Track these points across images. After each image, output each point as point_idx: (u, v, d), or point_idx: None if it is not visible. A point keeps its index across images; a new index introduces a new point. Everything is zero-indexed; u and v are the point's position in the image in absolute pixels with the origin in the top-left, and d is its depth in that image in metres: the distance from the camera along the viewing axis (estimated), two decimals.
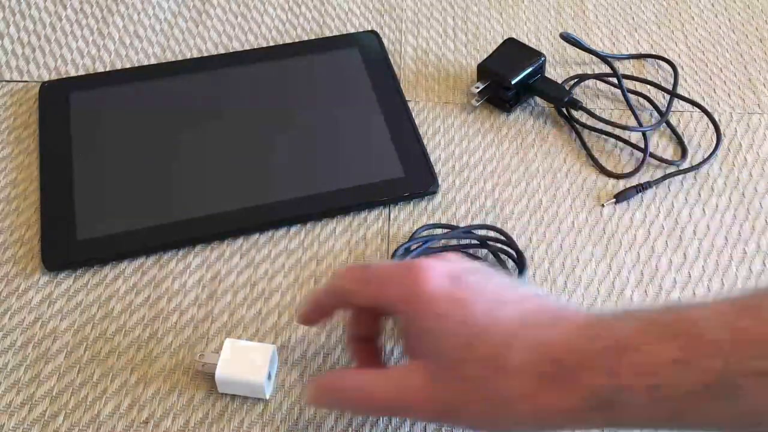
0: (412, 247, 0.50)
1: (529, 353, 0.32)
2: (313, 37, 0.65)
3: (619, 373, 0.30)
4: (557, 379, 0.31)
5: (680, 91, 0.62)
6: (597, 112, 0.59)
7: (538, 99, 0.61)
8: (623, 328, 0.31)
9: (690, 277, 0.50)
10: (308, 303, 0.42)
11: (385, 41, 0.65)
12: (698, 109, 0.60)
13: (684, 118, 0.60)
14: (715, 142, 0.58)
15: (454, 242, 0.51)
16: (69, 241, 0.50)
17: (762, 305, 0.29)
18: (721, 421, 0.29)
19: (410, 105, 0.60)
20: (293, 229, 0.52)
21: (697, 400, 0.29)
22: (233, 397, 0.44)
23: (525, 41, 0.63)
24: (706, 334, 0.29)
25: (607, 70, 0.62)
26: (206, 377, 0.45)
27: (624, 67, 0.64)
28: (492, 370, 0.33)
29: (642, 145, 0.57)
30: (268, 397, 0.44)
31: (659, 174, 0.56)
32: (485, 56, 0.60)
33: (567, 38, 0.62)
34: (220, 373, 0.43)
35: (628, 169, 0.56)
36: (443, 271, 0.36)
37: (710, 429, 0.30)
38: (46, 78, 0.61)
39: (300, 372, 0.46)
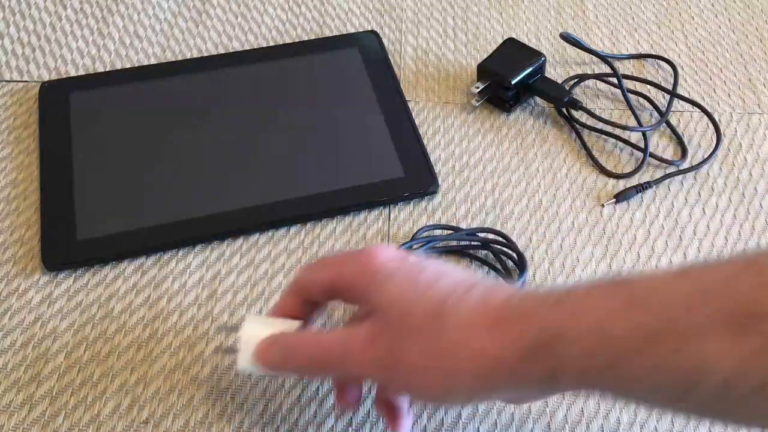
0: (414, 247, 0.50)
1: (470, 308, 0.34)
2: (313, 37, 0.65)
3: (557, 320, 0.31)
4: (496, 327, 0.32)
5: (680, 91, 0.62)
6: (597, 112, 0.59)
7: (538, 99, 0.61)
8: (565, 289, 0.33)
9: None
10: (273, 313, 0.41)
11: (385, 41, 0.65)
12: (698, 109, 0.60)
13: (684, 118, 0.60)
14: (715, 142, 0.58)
15: (454, 243, 0.51)
16: (69, 241, 0.50)
17: (691, 270, 0.30)
18: (657, 375, 0.29)
19: (410, 105, 0.60)
20: (293, 229, 0.52)
21: (633, 349, 0.29)
22: (233, 396, 0.44)
23: (525, 41, 0.63)
24: (644, 293, 0.30)
25: (607, 70, 0.62)
26: (207, 376, 0.45)
27: (624, 67, 0.64)
28: (433, 321, 0.34)
29: (642, 145, 0.57)
30: None
31: (659, 174, 0.56)
32: (485, 56, 0.60)
33: (567, 38, 0.62)
34: (245, 336, 0.39)
35: (628, 169, 0.56)
36: (394, 250, 0.38)
37: (644, 388, 0.30)
38: (46, 78, 0.61)
39: None
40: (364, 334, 0.36)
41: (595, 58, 0.64)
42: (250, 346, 0.39)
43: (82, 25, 0.66)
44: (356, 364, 0.36)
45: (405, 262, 0.37)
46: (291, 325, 0.40)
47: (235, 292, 0.49)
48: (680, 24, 0.67)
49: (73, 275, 0.50)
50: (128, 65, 0.62)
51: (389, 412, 0.41)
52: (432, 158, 0.56)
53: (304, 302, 0.41)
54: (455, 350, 0.33)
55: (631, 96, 0.60)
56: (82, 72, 0.62)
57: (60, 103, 0.57)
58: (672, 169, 0.56)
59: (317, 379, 0.45)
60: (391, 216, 0.53)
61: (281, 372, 0.42)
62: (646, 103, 0.61)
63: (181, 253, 0.51)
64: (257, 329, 0.39)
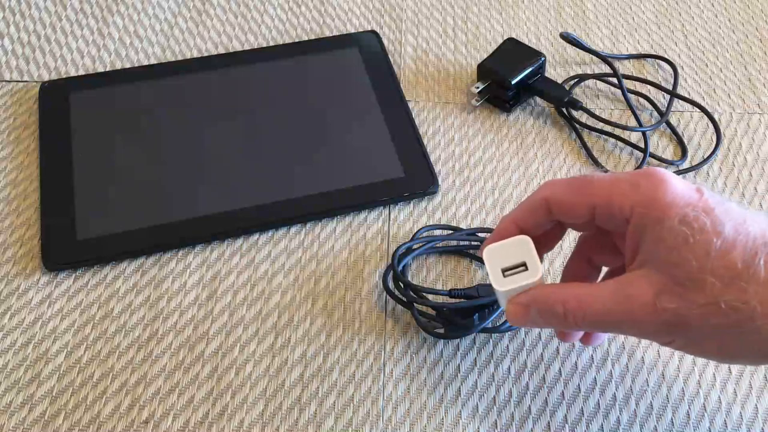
0: (414, 247, 0.50)
1: None
2: (313, 37, 0.65)
3: None
4: None
5: (680, 91, 0.62)
6: (597, 112, 0.59)
7: (538, 99, 0.61)
8: None
9: None
10: (496, 233, 0.38)
11: (385, 41, 0.65)
12: (698, 109, 0.60)
13: (684, 118, 0.60)
14: (715, 142, 0.58)
15: (454, 243, 0.51)
16: (69, 241, 0.50)
17: None
18: None
19: (410, 105, 0.60)
20: (293, 229, 0.52)
21: None
22: (233, 396, 0.44)
23: (525, 41, 0.63)
24: None
25: (607, 70, 0.62)
26: (207, 376, 0.45)
27: (624, 67, 0.64)
28: (737, 281, 0.31)
29: (642, 145, 0.57)
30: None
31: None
32: (485, 56, 0.60)
33: (567, 38, 0.62)
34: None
35: (628, 169, 0.56)
36: (684, 182, 0.34)
37: None
38: (46, 78, 0.61)
39: (300, 372, 0.46)
40: (646, 292, 0.32)
41: (595, 58, 0.64)
42: (502, 300, 0.38)
43: (82, 25, 0.66)
44: (634, 328, 0.33)
45: (701, 197, 0.33)
46: (531, 261, 0.36)
47: (235, 292, 0.49)
48: (680, 24, 0.67)
49: (73, 275, 0.50)
50: (128, 65, 0.62)
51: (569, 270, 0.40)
52: (432, 158, 0.56)
53: (542, 222, 0.37)
54: (763, 319, 0.30)
55: (631, 96, 0.60)
56: (82, 72, 0.62)
57: (60, 103, 0.57)
58: (672, 169, 0.56)
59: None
60: (391, 216, 0.53)
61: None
62: (646, 103, 0.61)
63: (181, 253, 0.51)
64: (504, 282, 0.37)
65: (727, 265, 0.31)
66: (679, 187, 0.33)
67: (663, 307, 0.32)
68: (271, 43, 0.64)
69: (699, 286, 0.31)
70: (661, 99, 0.61)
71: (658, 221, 0.33)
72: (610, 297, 0.33)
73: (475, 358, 0.46)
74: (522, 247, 0.37)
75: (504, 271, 0.37)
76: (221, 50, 0.64)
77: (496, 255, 0.37)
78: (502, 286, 0.37)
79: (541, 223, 0.38)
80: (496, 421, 0.44)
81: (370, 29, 0.65)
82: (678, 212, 0.32)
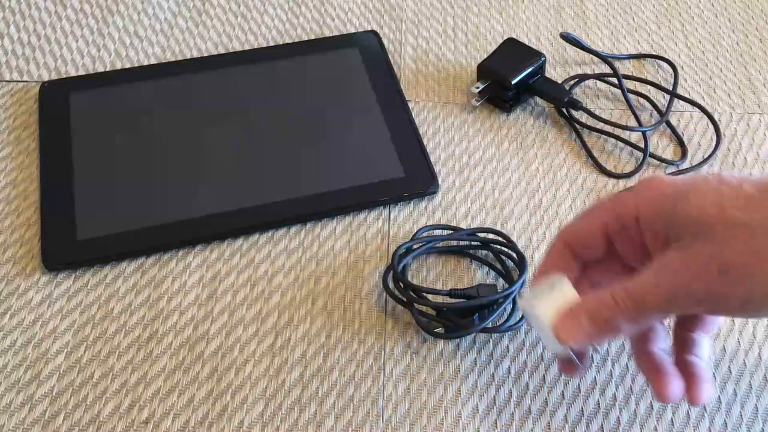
0: (414, 247, 0.50)
1: None
2: (313, 37, 0.65)
3: None
4: None
5: (680, 91, 0.62)
6: (597, 112, 0.59)
7: (538, 99, 0.61)
8: None
9: None
10: (537, 277, 0.39)
11: (385, 41, 0.65)
12: (698, 109, 0.60)
13: (684, 118, 0.60)
14: (715, 142, 0.58)
15: (454, 243, 0.51)
16: (69, 241, 0.50)
17: None
18: None
19: (410, 105, 0.60)
20: (293, 229, 0.52)
21: None
22: (233, 396, 0.44)
23: (525, 41, 0.63)
24: None
25: (607, 70, 0.62)
26: (207, 376, 0.45)
27: (624, 67, 0.64)
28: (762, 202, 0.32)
29: (642, 145, 0.57)
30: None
31: (659, 174, 0.56)
32: (485, 56, 0.60)
33: (567, 38, 0.62)
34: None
35: (628, 169, 0.56)
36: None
37: None
38: (46, 78, 0.61)
39: (300, 372, 0.46)
40: (683, 258, 0.33)
41: (595, 58, 0.64)
42: (546, 329, 0.38)
43: (82, 25, 0.66)
44: (692, 292, 0.32)
45: (693, 176, 0.35)
46: (567, 288, 0.38)
47: (235, 292, 0.49)
48: (680, 24, 0.67)
49: (73, 275, 0.50)
50: (128, 65, 0.62)
51: (686, 374, 0.38)
52: (432, 158, 0.56)
53: (573, 257, 0.38)
54: None
55: (631, 96, 0.60)
56: (82, 72, 0.62)
57: (60, 103, 0.57)
58: (672, 169, 0.56)
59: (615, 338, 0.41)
60: (391, 216, 0.53)
61: (593, 342, 0.39)
62: (646, 103, 0.61)
63: (181, 253, 0.51)
64: (545, 308, 0.37)
65: (744, 195, 0.32)
66: (666, 177, 0.36)
67: (699, 252, 0.32)
68: (271, 43, 0.64)
69: (722, 223, 0.32)
70: (661, 99, 0.61)
71: (677, 197, 0.34)
72: (652, 275, 0.34)
73: (475, 358, 0.46)
74: (553, 280, 0.38)
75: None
76: (221, 50, 0.64)
77: (532, 296, 0.39)
78: (544, 310, 0.38)
79: (571, 266, 0.39)
80: (496, 421, 0.44)
81: (370, 29, 0.65)
82: (674, 181, 0.34)
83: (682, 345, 0.40)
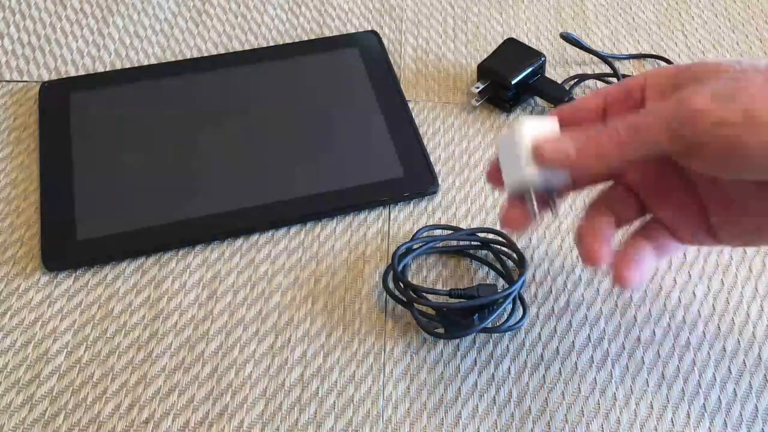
0: (414, 247, 0.50)
1: None
2: (313, 37, 0.65)
3: None
4: None
5: None
6: None
7: (538, 99, 0.61)
8: None
9: (690, 277, 0.50)
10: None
11: (385, 41, 0.65)
12: None
13: None
14: None
15: (454, 243, 0.51)
16: (69, 241, 0.50)
17: None
18: None
19: (410, 105, 0.60)
20: (293, 229, 0.52)
21: None
22: (233, 396, 0.44)
23: (525, 41, 0.63)
24: None
25: (607, 70, 0.62)
26: (207, 376, 0.45)
27: (624, 67, 0.64)
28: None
29: None
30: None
31: None
32: (485, 56, 0.60)
33: (567, 38, 0.62)
34: None
35: None
36: None
37: None
38: (46, 78, 0.61)
39: (300, 372, 0.46)
40: (682, 94, 0.32)
41: (595, 58, 0.64)
42: (522, 150, 0.35)
43: (82, 25, 0.66)
44: (680, 121, 0.31)
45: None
46: (555, 125, 0.36)
47: (235, 292, 0.49)
48: (680, 24, 0.67)
49: (73, 275, 0.50)
50: (128, 65, 0.62)
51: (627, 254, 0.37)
52: (432, 158, 0.56)
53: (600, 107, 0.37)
54: None
55: None
56: (82, 72, 0.62)
57: (60, 103, 0.57)
58: None
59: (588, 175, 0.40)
60: (391, 216, 0.53)
61: (567, 166, 0.36)
62: None
63: (181, 253, 0.51)
64: (529, 129, 0.35)
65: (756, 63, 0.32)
66: None
67: (700, 87, 0.32)
68: (271, 43, 0.65)
69: (726, 69, 0.32)
70: None
71: (668, 67, 0.36)
72: (653, 108, 0.33)
73: (475, 358, 0.46)
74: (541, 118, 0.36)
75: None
76: (221, 50, 0.64)
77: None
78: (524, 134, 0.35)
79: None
80: (496, 421, 0.44)
81: (370, 29, 0.65)
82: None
83: (633, 246, 0.39)
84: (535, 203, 0.37)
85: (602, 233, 0.38)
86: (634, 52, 0.65)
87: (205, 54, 0.64)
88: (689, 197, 0.37)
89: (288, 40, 0.65)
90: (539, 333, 0.48)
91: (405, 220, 0.53)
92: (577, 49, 0.64)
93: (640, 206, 0.39)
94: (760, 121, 0.30)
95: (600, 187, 0.41)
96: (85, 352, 0.46)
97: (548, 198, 0.37)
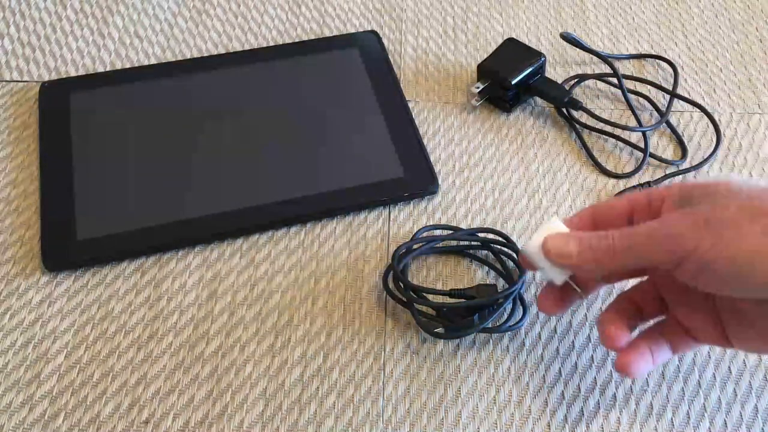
0: (414, 247, 0.50)
1: None
2: (313, 37, 0.65)
3: None
4: None
5: (680, 91, 0.62)
6: (597, 112, 0.59)
7: (538, 99, 0.61)
8: None
9: None
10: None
11: (385, 41, 0.65)
12: (698, 109, 0.60)
13: (684, 118, 0.60)
14: (715, 142, 0.58)
15: (454, 243, 0.51)
16: (69, 241, 0.50)
17: None
18: None
19: (410, 105, 0.60)
20: (293, 229, 0.52)
21: None
22: (233, 396, 0.44)
23: (525, 41, 0.63)
24: None
25: (607, 70, 0.62)
26: (207, 376, 0.45)
27: (624, 67, 0.64)
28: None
29: (642, 145, 0.57)
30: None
31: (659, 174, 0.56)
32: (485, 56, 0.60)
33: (567, 38, 0.62)
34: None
35: (628, 169, 0.56)
36: None
37: None
38: (46, 78, 0.61)
39: (300, 372, 0.46)
40: (678, 214, 0.35)
41: (595, 58, 0.64)
42: (537, 249, 0.40)
43: (82, 25, 0.66)
44: (666, 241, 0.34)
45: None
46: (561, 225, 0.40)
47: (235, 292, 0.49)
48: (680, 24, 0.67)
49: (73, 275, 0.50)
50: (128, 65, 0.62)
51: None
52: (432, 158, 0.56)
53: (594, 226, 0.40)
54: None
55: (631, 96, 0.60)
56: (82, 72, 0.62)
57: (60, 103, 0.57)
58: (672, 169, 0.56)
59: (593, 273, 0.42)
60: (391, 216, 0.53)
61: (571, 266, 0.39)
62: (646, 103, 0.61)
63: (181, 253, 0.51)
64: (540, 234, 0.40)
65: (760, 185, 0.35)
66: None
67: (697, 210, 0.35)
68: (271, 43, 0.64)
69: (725, 190, 0.35)
70: (661, 99, 0.61)
71: (689, 183, 0.38)
72: (647, 224, 0.36)
73: (475, 358, 0.46)
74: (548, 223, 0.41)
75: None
76: (221, 50, 0.64)
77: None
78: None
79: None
80: (496, 421, 0.44)
81: (370, 29, 0.65)
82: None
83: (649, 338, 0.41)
84: (573, 284, 0.42)
85: (622, 321, 0.41)
86: (634, 52, 0.65)
87: (205, 54, 0.64)
88: (707, 305, 0.39)
89: (288, 40, 0.65)
90: (539, 333, 0.48)
91: (405, 220, 0.53)
92: (577, 49, 0.64)
93: (662, 304, 0.42)
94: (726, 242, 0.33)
95: (633, 281, 0.44)
96: (85, 352, 0.46)
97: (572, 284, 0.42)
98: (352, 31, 0.66)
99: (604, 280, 0.43)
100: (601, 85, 0.62)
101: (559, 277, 0.41)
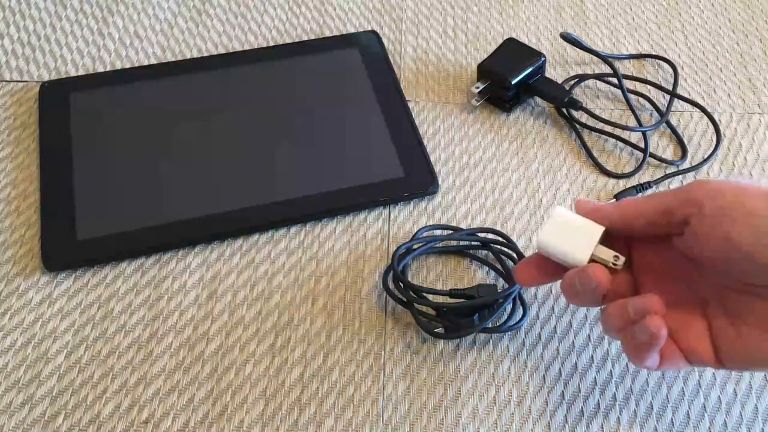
0: (414, 247, 0.50)
1: None
2: (313, 37, 0.65)
3: None
4: None
5: (680, 91, 0.62)
6: (597, 112, 0.59)
7: (538, 99, 0.61)
8: None
9: None
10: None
11: (385, 41, 0.65)
12: (698, 109, 0.60)
13: (684, 118, 0.60)
14: (715, 142, 0.58)
15: (454, 243, 0.51)
16: (69, 241, 0.50)
17: None
18: None
19: (410, 105, 0.60)
20: (293, 229, 0.52)
21: None
22: (233, 396, 0.44)
23: (525, 41, 0.63)
24: None
25: (607, 70, 0.62)
26: (207, 376, 0.45)
27: (624, 67, 0.64)
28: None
29: (642, 145, 0.57)
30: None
31: (659, 174, 0.56)
32: (485, 56, 0.60)
33: (567, 38, 0.62)
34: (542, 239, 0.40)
35: (628, 169, 0.56)
36: None
37: None
38: (46, 78, 0.61)
39: (300, 372, 0.46)
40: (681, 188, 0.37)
41: (595, 58, 0.64)
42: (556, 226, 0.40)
43: (82, 25, 0.66)
44: (668, 205, 0.37)
45: None
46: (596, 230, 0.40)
47: (235, 292, 0.49)
48: (680, 24, 0.67)
49: (73, 275, 0.50)
50: (128, 65, 0.62)
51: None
52: (432, 158, 0.56)
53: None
54: None
55: (631, 96, 0.60)
56: (82, 72, 0.62)
57: (60, 103, 0.57)
58: (672, 169, 0.56)
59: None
60: (391, 216, 0.53)
61: (604, 216, 0.40)
62: (646, 103, 0.61)
63: (181, 253, 0.51)
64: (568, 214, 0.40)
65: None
66: None
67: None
68: (271, 43, 0.65)
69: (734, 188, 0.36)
70: (661, 99, 0.61)
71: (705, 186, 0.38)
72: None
73: (475, 358, 0.46)
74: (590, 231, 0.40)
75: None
76: (221, 50, 0.64)
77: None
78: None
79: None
80: (496, 421, 0.44)
81: (370, 29, 0.65)
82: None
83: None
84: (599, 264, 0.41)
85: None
86: (634, 52, 0.65)
87: (205, 54, 0.64)
88: (700, 314, 0.39)
89: (288, 40, 0.65)
90: (539, 333, 0.48)
91: (405, 220, 0.53)
92: (577, 49, 0.64)
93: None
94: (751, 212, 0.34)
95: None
96: (85, 352, 0.46)
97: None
98: (352, 31, 0.66)
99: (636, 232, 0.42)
100: (601, 85, 0.62)
101: (583, 255, 0.39)
